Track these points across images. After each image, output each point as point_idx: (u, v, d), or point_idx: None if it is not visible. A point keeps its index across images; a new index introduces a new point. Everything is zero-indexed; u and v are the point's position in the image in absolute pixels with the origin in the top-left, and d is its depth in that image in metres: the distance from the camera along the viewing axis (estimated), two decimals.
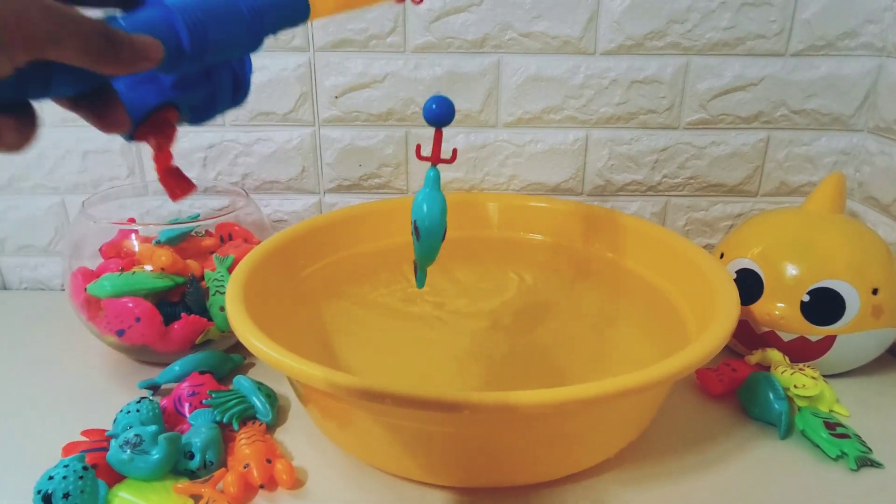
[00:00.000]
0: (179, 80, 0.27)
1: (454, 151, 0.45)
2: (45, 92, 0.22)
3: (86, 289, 0.54)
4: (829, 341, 0.53)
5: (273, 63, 0.65)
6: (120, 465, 0.40)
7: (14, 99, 0.21)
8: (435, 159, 0.44)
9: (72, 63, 0.21)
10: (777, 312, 0.54)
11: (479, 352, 0.53)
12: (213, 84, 0.28)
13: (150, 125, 0.27)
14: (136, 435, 0.41)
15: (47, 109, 0.72)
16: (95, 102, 0.24)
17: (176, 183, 0.28)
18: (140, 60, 0.22)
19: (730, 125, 0.67)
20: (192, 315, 0.55)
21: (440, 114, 0.42)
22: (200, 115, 0.29)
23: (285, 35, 0.64)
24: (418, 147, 0.45)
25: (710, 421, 0.51)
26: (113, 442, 0.42)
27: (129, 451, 0.40)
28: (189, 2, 0.25)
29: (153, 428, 0.41)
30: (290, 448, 0.47)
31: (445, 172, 0.69)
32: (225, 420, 0.47)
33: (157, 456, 0.40)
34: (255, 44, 0.28)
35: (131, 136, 0.27)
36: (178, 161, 0.77)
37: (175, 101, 0.27)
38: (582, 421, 0.41)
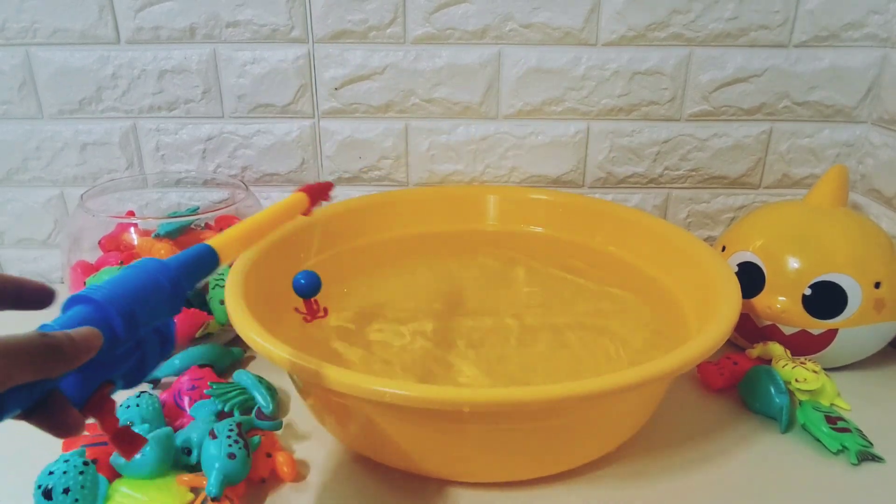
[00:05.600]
0: (113, 358, 0.27)
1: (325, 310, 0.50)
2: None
3: (85, 282, 0.54)
4: (830, 335, 0.53)
5: (272, 55, 0.64)
6: (118, 467, 0.41)
7: None
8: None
9: (23, 382, 0.22)
10: (778, 306, 0.54)
11: (479, 346, 0.53)
12: (143, 350, 0.29)
13: (91, 406, 0.27)
14: None
15: (45, 102, 0.71)
16: (47, 411, 0.24)
17: (127, 443, 0.28)
18: (83, 353, 0.24)
19: (732, 117, 0.67)
20: (192, 308, 0.55)
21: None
22: (133, 379, 0.29)
23: (284, 27, 0.63)
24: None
25: (710, 415, 0.51)
26: None
27: None
28: (115, 291, 0.27)
29: (145, 427, 0.41)
30: (291, 441, 0.47)
31: (445, 164, 0.69)
32: (227, 409, 0.47)
33: (149, 457, 0.40)
34: (178, 306, 0.30)
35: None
36: (177, 153, 0.76)
37: (111, 376, 0.27)
38: (582, 416, 0.41)
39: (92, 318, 0.25)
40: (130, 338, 0.27)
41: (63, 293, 0.61)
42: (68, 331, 0.24)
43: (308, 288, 0.49)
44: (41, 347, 0.22)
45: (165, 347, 0.31)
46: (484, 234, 0.66)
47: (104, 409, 0.27)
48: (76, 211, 0.58)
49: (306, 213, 0.43)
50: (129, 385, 0.29)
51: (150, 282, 0.28)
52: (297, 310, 0.49)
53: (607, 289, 0.60)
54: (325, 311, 0.50)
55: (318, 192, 0.45)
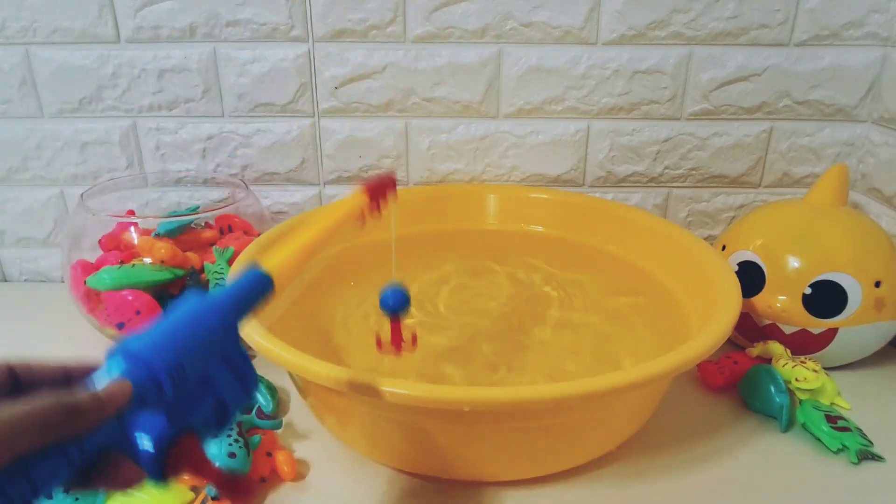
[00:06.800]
0: (178, 408, 0.26)
1: (414, 338, 0.45)
2: (35, 491, 0.21)
3: (85, 282, 0.54)
4: (830, 334, 0.53)
5: (272, 54, 0.64)
6: None
7: None
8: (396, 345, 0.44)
9: (41, 445, 0.21)
10: (779, 305, 0.54)
11: (479, 345, 0.53)
12: (216, 388, 0.27)
13: (176, 461, 0.25)
14: None
15: (45, 101, 0.71)
16: (101, 469, 0.23)
17: (236, 491, 0.28)
18: (110, 409, 0.23)
19: (732, 116, 0.66)
20: None
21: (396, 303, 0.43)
22: (218, 422, 0.28)
23: (284, 25, 0.63)
24: (378, 339, 0.44)
25: (710, 414, 0.51)
26: None
27: None
28: (161, 344, 0.25)
29: None
30: (291, 441, 0.47)
31: (445, 163, 0.69)
32: None
33: None
34: (232, 345, 0.28)
35: (163, 479, 0.25)
36: (178, 152, 0.75)
37: (187, 427, 0.26)
38: (583, 415, 0.41)
39: (134, 378, 0.24)
40: (181, 391, 0.25)
41: (63, 292, 0.60)
42: (91, 388, 0.23)
43: (397, 304, 0.43)
44: (57, 409, 0.21)
45: (246, 383, 0.29)
46: (484, 233, 0.66)
47: (195, 461, 0.26)
48: (76, 210, 0.58)
49: (372, 213, 0.38)
50: (218, 429, 0.28)
51: (201, 328, 0.26)
52: (379, 342, 0.43)
53: (607, 288, 0.60)
54: (415, 339, 0.45)
55: (379, 190, 0.39)
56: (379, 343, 0.43)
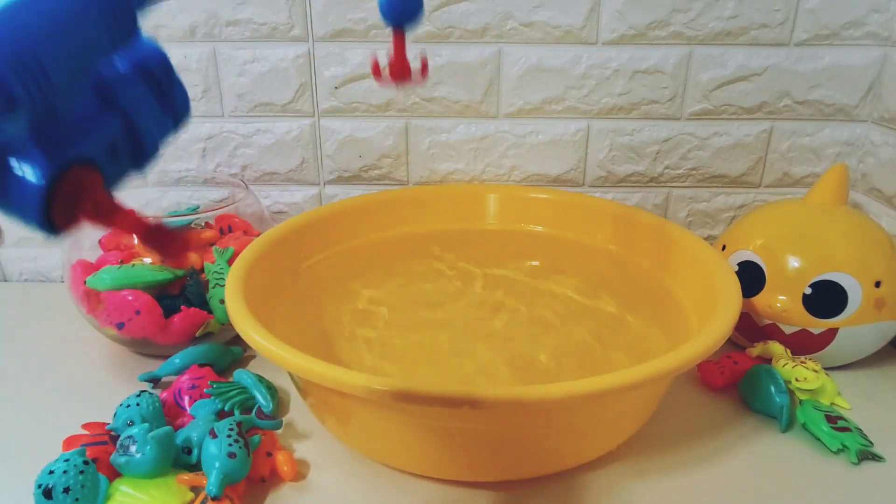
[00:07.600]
0: (67, 128, 0.19)
1: (424, 63, 0.31)
2: None
3: (85, 282, 0.54)
4: (830, 334, 0.53)
5: (272, 53, 0.64)
6: (119, 467, 0.41)
7: None
8: (398, 72, 0.29)
9: None
10: (779, 305, 0.54)
11: (479, 344, 0.53)
12: (123, 107, 0.21)
13: (67, 201, 0.19)
14: (129, 437, 0.41)
15: None
16: None
17: (167, 242, 0.21)
18: None
19: (732, 116, 0.66)
20: (192, 308, 0.55)
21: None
22: (132, 154, 0.21)
23: (284, 25, 0.63)
24: (375, 63, 0.29)
25: (710, 414, 0.51)
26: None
27: (122, 454, 0.40)
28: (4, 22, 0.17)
29: (145, 426, 0.41)
30: (291, 441, 0.47)
31: (445, 163, 0.69)
32: (227, 408, 0.47)
33: (148, 456, 0.40)
34: (126, 31, 0.20)
35: (48, 227, 0.20)
36: (177, 152, 0.76)
37: (82, 157, 0.20)
38: (582, 415, 0.41)
39: None
40: (57, 102, 0.18)
41: (63, 292, 0.60)
42: None
43: (404, 6, 0.29)
44: None
45: (169, 100, 0.22)
46: (483, 233, 0.66)
47: (96, 204, 0.20)
48: None
49: None
50: (135, 164, 0.21)
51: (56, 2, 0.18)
52: (376, 68, 0.31)
53: (607, 287, 0.60)
54: (425, 65, 0.31)
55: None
56: (376, 69, 0.31)
